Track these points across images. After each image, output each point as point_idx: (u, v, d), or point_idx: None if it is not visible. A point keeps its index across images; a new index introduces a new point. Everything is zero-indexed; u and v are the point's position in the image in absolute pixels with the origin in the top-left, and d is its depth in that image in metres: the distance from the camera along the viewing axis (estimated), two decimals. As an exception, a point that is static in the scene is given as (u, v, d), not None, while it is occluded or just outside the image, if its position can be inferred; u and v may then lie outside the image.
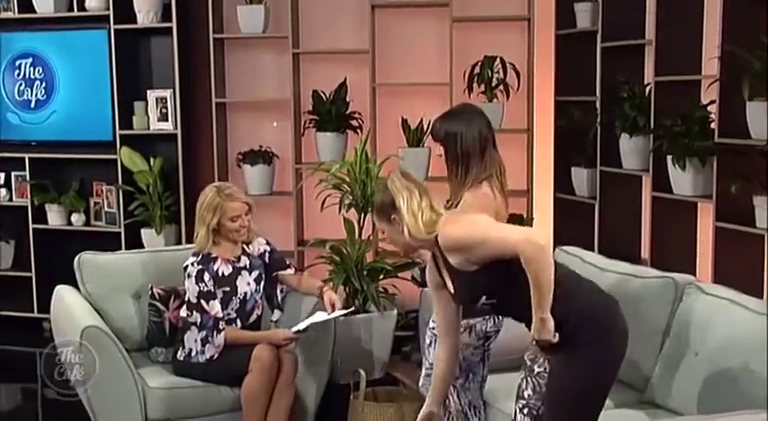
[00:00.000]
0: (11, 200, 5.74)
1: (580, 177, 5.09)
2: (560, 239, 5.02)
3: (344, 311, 3.70)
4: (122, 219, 5.50)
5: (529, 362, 2.80)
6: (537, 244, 2.51)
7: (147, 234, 5.46)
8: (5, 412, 4.63)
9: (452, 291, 2.77)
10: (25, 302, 5.68)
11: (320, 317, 3.64)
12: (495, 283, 2.65)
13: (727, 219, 3.92)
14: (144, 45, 5.54)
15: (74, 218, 5.67)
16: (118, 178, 5.47)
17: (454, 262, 2.65)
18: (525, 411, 2.79)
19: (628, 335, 2.71)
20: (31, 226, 5.63)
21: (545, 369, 2.74)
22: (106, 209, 5.66)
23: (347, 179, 4.04)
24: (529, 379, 2.78)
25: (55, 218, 5.66)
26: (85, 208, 5.69)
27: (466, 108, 3.31)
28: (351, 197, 4.02)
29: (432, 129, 3.17)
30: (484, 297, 2.68)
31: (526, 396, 2.78)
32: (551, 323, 2.56)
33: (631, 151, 4.61)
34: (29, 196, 5.63)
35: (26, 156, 5.60)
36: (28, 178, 5.62)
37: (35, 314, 5.65)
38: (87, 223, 5.70)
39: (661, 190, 4.35)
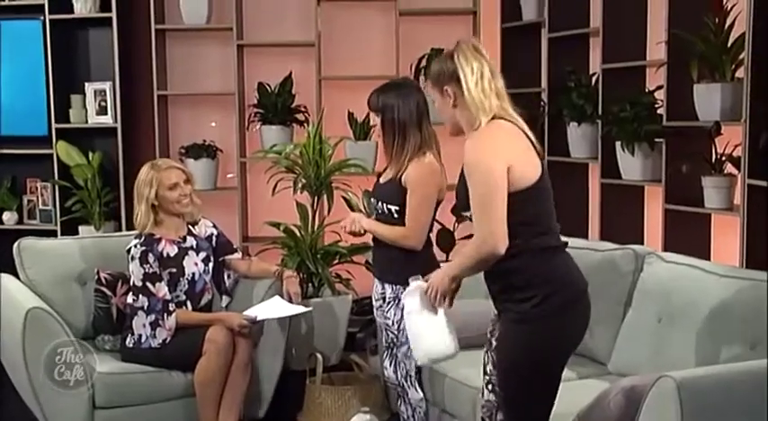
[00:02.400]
0: (-63, 198, 5.50)
1: (527, 169, 5.11)
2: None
3: (303, 310, 3.64)
4: (58, 217, 5.31)
5: (489, 336, 2.77)
6: (494, 253, 2.39)
7: (85, 231, 5.27)
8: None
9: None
10: (-47, 305, 5.42)
11: (276, 310, 3.55)
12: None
13: (676, 202, 3.98)
14: (81, 36, 5.36)
15: (5, 216, 5.44)
16: (54, 174, 5.29)
17: None
18: (489, 387, 2.74)
19: (588, 320, 2.63)
20: (-41, 225, 5.40)
21: None
22: (41, 206, 5.46)
23: (300, 162, 3.98)
24: (489, 353, 2.75)
25: (-15, 216, 5.45)
26: (18, 206, 5.48)
27: (404, 81, 3.50)
28: (304, 180, 3.96)
29: (369, 100, 3.25)
30: (469, 212, 2.52)
31: (488, 371, 2.74)
32: (449, 282, 2.57)
33: (579, 139, 4.66)
34: (-43, 194, 5.40)
35: (-46, 152, 5.39)
36: (-44, 175, 5.40)
37: (-36, 317, 5.40)
38: (20, 221, 5.49)
39: (610, 176, 4.40)
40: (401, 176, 3.15)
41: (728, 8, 3.74)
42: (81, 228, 5.30)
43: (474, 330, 3.44)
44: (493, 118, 2.47)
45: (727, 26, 3.73)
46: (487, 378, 2.74)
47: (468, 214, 2.54)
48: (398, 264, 3.13)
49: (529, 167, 2.49)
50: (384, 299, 3.25)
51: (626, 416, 2.32)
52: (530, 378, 2.53)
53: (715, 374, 2.28)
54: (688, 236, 4.00)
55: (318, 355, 3.69)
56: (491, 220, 2.39)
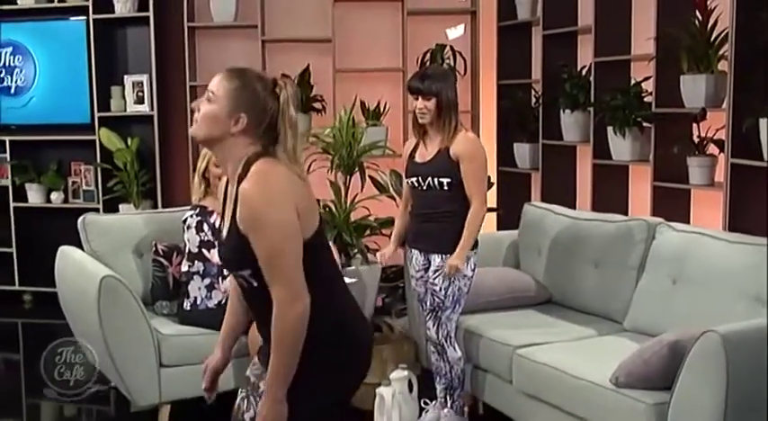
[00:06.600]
0: (-8, 180, 5.30)
1: (522, 151, 5.04)
2: (503, 207, 4.97)
3: (348, 280, 3.49)
4: (101, 196, 5.16)
5: (253, 379, 2.04)
6: (296, 313, 1.81)
7: (125, 209, 5.12)
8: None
9: (222, 238, 1.94)
10: (6, 276, 5.27)
11: None
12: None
13: (663, 179, 3.93)
14: (121, 33, 5.21)
15: (53, 196, 5.29)
16: (96, 158, 5.13)
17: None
18: None
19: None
20: (11, 204, 5.22)
21: None
22: (84, 187, 5.32)
23: (333, 143, 3.85)
24: (251, 398, 2.02)
25: (35, 196, 5.28)
26: (64, 187, 5.31)
27: (444, 69, 3.44)
28: (338, 160, 3.83)
29: (417, 85, 3.09)
30: (249, 271, 1.86)
31: (248, 419, 2.00)
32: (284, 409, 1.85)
33: (572, 125, 4.58)
34: (9, 176, 5.21)
35: (6, 138, 5.20)
36: (8, 159, 5.20)
37: (16, 287, 5.28)
38: (66, 201, 5.32)
39: (601, 157, 4.33)
40: (449, 151, 3.05)
41: (712, 7, 3.67)
42: (121, 207, 5.16)
43: (499, 294, 3.37)
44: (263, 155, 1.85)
45: (710, 24, 3.66)
46: None
47: (243, 273, 1.89)
48: (452, 235, 3.03)
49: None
50: (426, 269, 3.15)
51: (668, 368, 2.25)
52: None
53: (757, 328, 2.20)
54: (672, 209, 3.95)
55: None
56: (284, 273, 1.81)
